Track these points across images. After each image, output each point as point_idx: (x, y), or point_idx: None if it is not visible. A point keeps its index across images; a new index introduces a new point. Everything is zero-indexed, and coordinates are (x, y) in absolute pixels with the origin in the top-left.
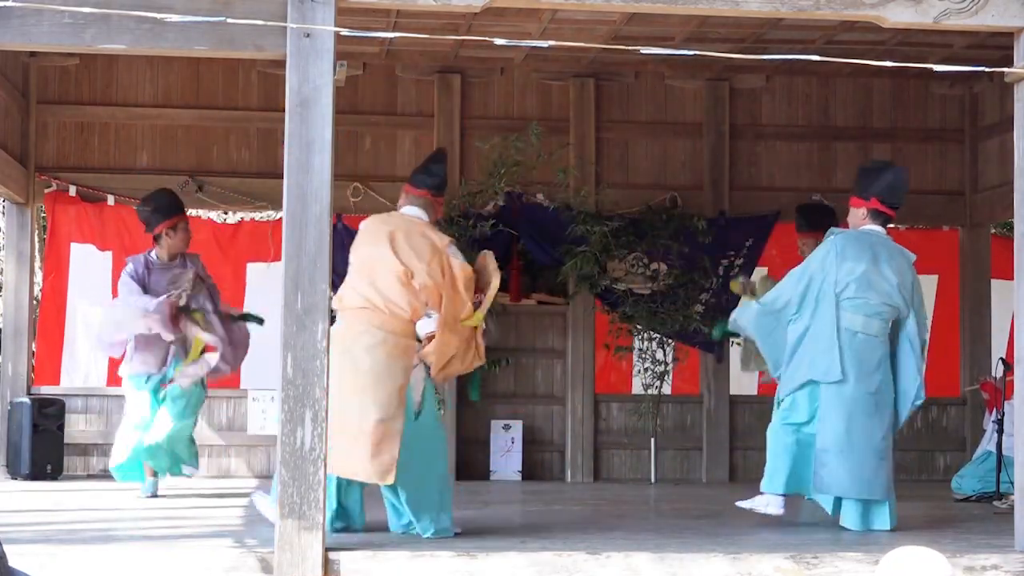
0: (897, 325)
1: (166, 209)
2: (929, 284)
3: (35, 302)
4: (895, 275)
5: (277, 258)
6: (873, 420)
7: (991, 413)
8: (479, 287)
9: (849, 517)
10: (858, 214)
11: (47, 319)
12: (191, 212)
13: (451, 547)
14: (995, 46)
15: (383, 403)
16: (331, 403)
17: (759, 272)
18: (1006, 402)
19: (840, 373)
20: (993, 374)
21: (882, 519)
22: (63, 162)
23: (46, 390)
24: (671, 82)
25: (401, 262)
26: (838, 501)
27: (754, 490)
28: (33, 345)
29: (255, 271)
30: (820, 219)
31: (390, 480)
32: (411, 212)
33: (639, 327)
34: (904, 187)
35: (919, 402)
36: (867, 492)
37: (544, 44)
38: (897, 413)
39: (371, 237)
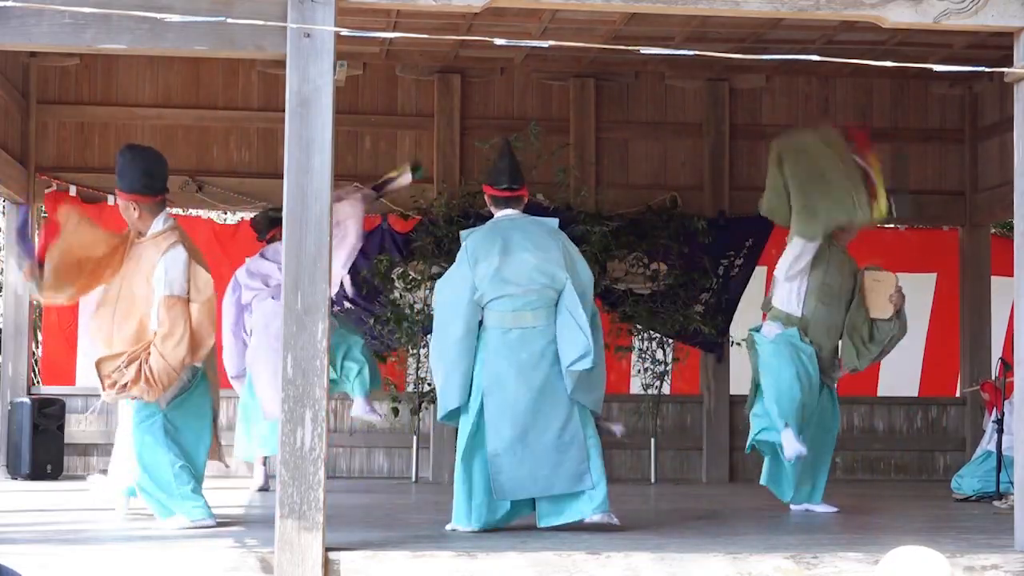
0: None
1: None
2: (927, 283)
3: (35, 302)
4: (534, 254)
5: None
6: (544, 417)
7: (991, 413)
8: None
9: (543, 515)
10: (489, 205)
11: (51, 320)
12: (191, 212)
13: (451, 547)
14: (995, 46)
15: None
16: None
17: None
18: (1006, 402)
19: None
20: (993, 375)
21: (579, 508)
22: (63, 162)
23: (46, 390)
24: (671, 82)
25: None
26: (531, 503)
27: (754, 489)
28: (34, 345)
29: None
30: None
31: None
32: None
33: (639, 327)
34: (504, 165)
35: (577, 367)
36: (546, 489)
37: (544, 44)
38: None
39: None
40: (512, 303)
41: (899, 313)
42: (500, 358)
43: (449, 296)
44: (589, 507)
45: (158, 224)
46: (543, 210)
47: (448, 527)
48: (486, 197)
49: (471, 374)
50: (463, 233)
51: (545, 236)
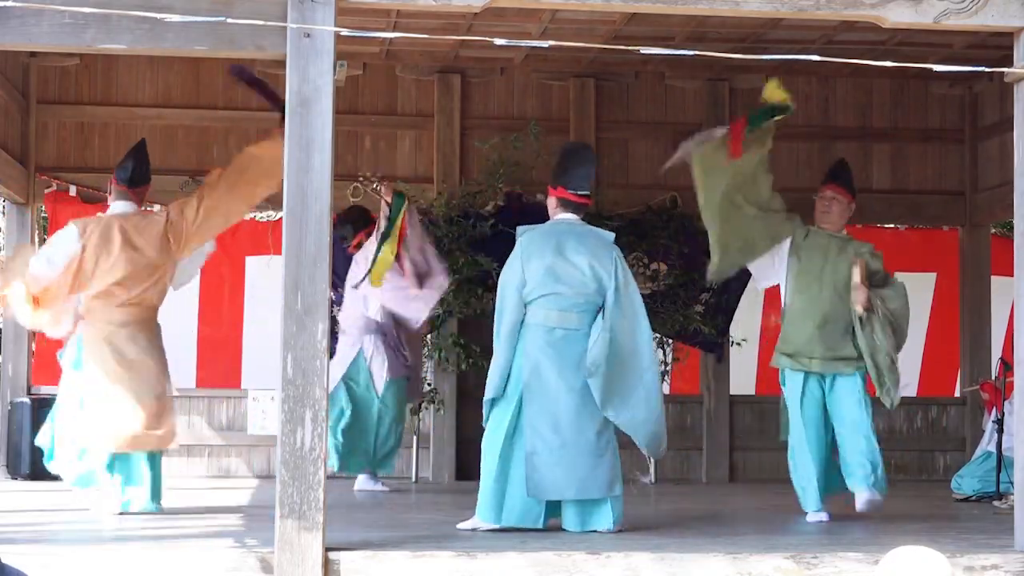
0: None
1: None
2: (927, 282)
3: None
4: (589, 258)
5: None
6: (582, 417)
7: (990, 413)
8: None
9: (568, 519)
10: (551, 204)
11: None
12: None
13: (451, 547)
14: (995, 46)
15: None
16: None
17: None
18: (1006, 402)
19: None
20: (993, 375)
21: (602, 519)
22: (63, 162)
23: (46, 390)
24: (671, 82)
25: None
26: (557, 504)
27: (754, 489)
28: (33, 345)
29: (254, 267)
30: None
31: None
32: None
33: None
34: (587, 171)
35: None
36: (581, 492)
37: (544, 44)
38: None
39: None
40: (560, 302)
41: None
42: (543, 356)
43: (501, 290)
44: (611, 518)
45: None
46: (543, 210)
47: (466, 525)
48: (552, 198)
49: (510, 367)
50: (520, 229)
51: (601, 246)
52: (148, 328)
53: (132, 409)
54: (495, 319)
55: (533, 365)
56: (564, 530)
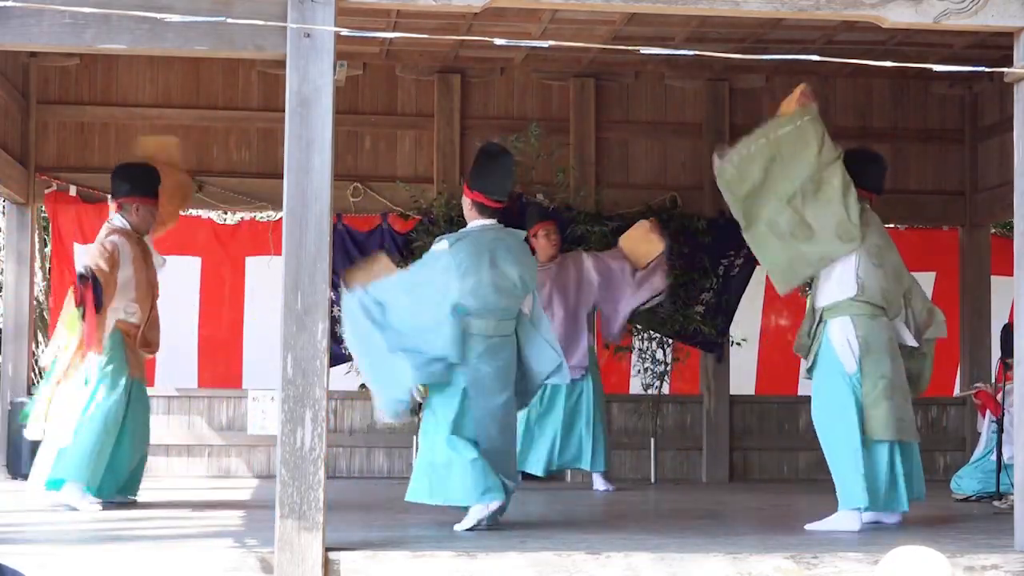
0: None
1: None
2: (927, 283)
3: (35, 302)
4: (519, 269)
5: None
6: (510, 419)
7: (984, 416)
8: None
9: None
10: (466, 204)
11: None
12: (191, 212)
13: (451, 547)
14: (995, 46)
15: None
16: None
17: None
18: (1006, 404)
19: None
20: (993, 376)
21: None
22: (63, 162)
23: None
24: (671, 82)
25: None
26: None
27: (754, 489)
28: (34, 345)
29: (254, 267)
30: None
31: None
32: None
33: (639, 327)
34: (506, 179)
35: (554, 379)
36: (515, 477)
37: (544, 44)
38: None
39: None
40: (499, 314)
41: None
42: (482, 363)
43: (432, 295)
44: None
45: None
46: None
47: (456, 527)
48: (468, 200)
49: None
50: (448, 238)
51: (522, 249)
52: None
53: None
54: (411, 316)
55: (474, 373)
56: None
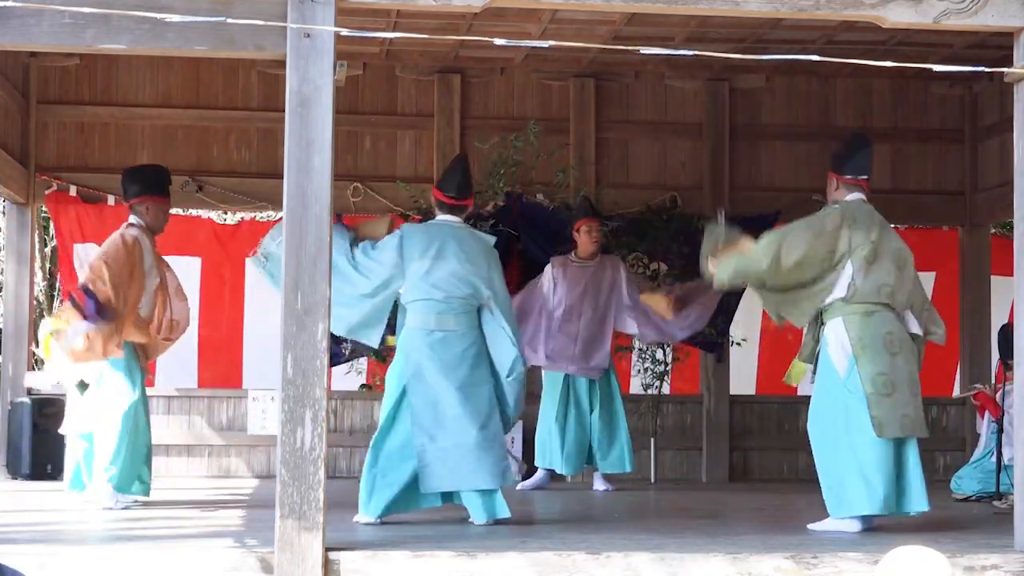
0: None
1: None
2: (926, 283)
3: (35, 302)
4: (464, 265)
5: None
6: (465, 416)
7: (982, 417)
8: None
9: (473, 511)
10: (434, 202)
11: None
12: (191, 212)
13: (451, 547)
14: (995, 46)
15: None
16: None
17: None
18: (1006, 405)
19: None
20: (992, 377)
21: (500, 507)
22: (63, 162)
23: (46, 390)
24: (671, 82)
25: None
26: (456, 495)
27: (754, 489)
28: (34, 345)
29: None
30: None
31: None
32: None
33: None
34: (460, 176)
35: (513, 375)
36: (470, 483)
37: (544, 44)
38: (503, 394)
39: None
40: (436, 307)
41: None
42: (423, 357)
43: (377, 269)
44: (506, 507)
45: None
46: (543, 210)
47: (355, 519)
48: (433, 198)
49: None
50: (404, 226)
51: (479, 251)
52: None
53: None
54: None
55: (415, 367)
56: (473, 523)
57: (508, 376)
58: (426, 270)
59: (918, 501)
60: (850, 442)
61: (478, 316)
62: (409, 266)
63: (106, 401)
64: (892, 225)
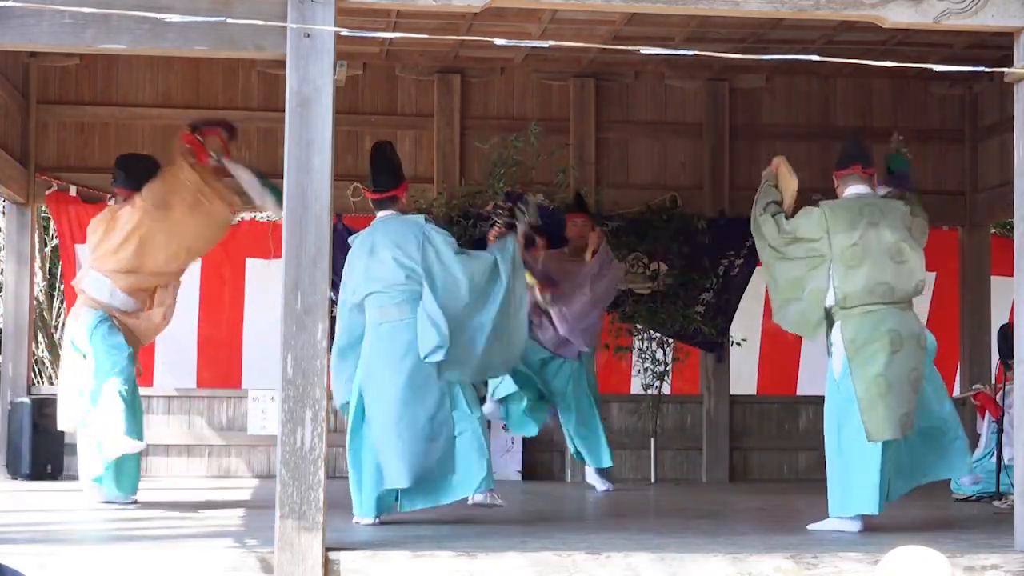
0: None
1: None
2: (926, 282)
3: (35, 302)
4: (393, 252)
5: (277, 255)
6: (414, 403)
7: (983, 417)
8: None
9: (408, 501)
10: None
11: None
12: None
13: (451, 547)
14: (995, 46)
15: None
16: None
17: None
18: (1006, 405)
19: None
20: (992, 377)
21: (451, 493)
22: (63, 162)
23: (46, 390)
24: (671, 82)
25: None
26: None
27: (754, 489)
28: (34, 345)
29: (254, 268)
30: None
31: None
32: None
33: (639, 327)
34: (383, 169)
35: (432, 357)
36: (424, 474)
37: (544, 44)
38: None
39: None
40: (379, 299)
41: None
42: (373, 352)
43: (341, 297)
44: (462, 490)
45: None
46: (543, 210)
47: (353, 520)
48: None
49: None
50: (351, 237)
51: (406, 233)
52: None
53: None
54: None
55: (366, 363)
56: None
57: (425, 357)
58: (365, 266)
59: (956, 466)
60: (846, 443)
61: None
62: (353, 271)
63: (102, 381)
64: None
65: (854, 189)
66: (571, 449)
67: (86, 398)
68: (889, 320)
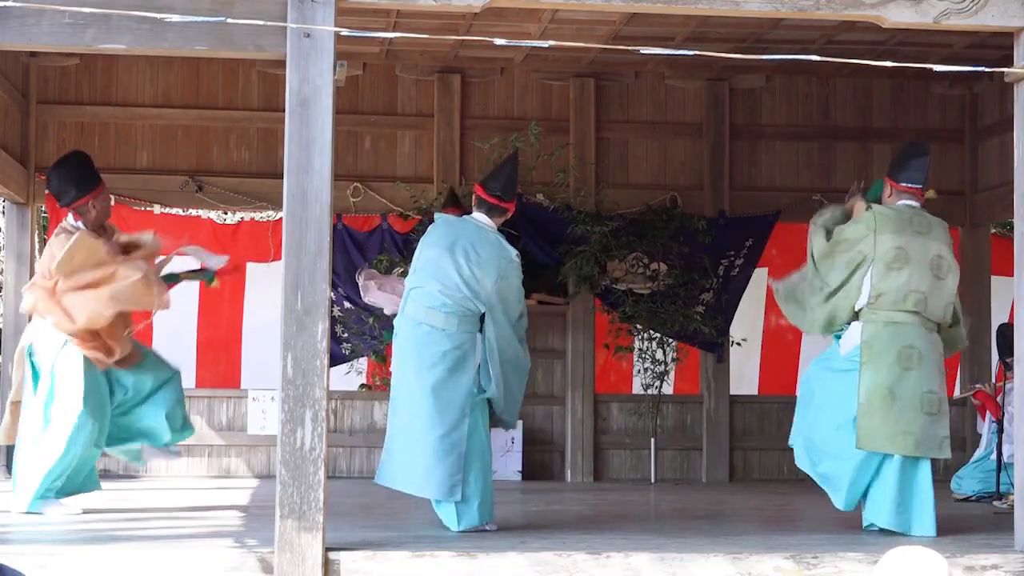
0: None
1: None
2: None
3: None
4: (473, 265)
5: (277, 258)
6: (431, 417)
7: (983, 418)
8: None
9: (442, 516)
10: (474, 201)
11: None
12: (191, 212)
13: (451, 547)
14: (995, 46)
15: None
16: None
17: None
18: (1007, 405)
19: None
20: (993, 377)
21: (448, 519)
22: None
23: None
24: (671, 82)
25: None
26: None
27: (754, 489)
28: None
29: (255, 270)
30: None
31: None
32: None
33: (639, 327)
34: (505, 174)
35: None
36: (418, 489)
37: (544, 44)
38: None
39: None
40: (429, 299)
41: None
42: (405, 351)
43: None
44: (456, 521)
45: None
46: (543, 210)
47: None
48: (474, 195)
49: None
50: (438, 216)
51: (493, 257)
52: None
53: None
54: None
55: (399, 356)
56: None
57: (478, 394)
58: (433, 258)
59: (923, 525)
60: (815, 415)
61: (480, 323)
62: (422, 253)
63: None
64: None
65: (905, 201)
66: None
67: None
68: (910, 336)
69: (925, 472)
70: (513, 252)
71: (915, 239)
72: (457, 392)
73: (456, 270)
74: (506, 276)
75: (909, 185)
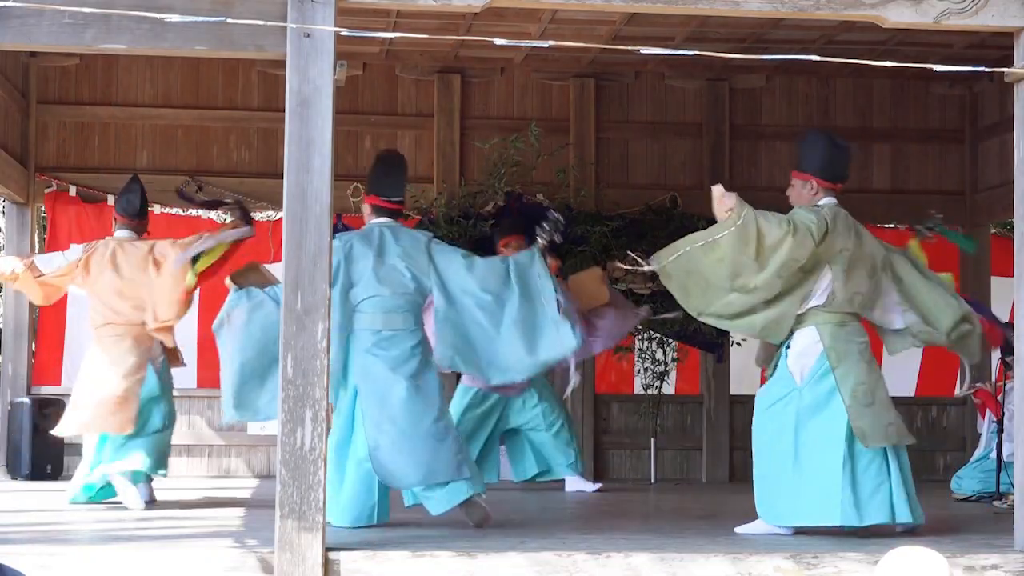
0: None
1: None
2: None
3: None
4: (406, 260)
5: (277, 258)
6: (417, 406)
7: (984, 417)
8: None
9: (432, 503)
10: (366, 211)
11: (47, 320)
12: (191, 212)
13: (451, 547)
14: (995, 46)
15: None
16: None
17: None
18: (1007, 404)
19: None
20: (993, 376)
21: (458, 495)
22: (63, 162)
23: (46, 390)
24: (671, 82)
25: None
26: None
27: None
28: (33, 345)
29: None
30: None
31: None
32: None
33: (639, 327)
34: (397, 179)
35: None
36: (430, 477)
37: (544, 44)
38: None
39: None
40: (385, 304)
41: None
42: (370, 356)
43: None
44: (471, 490)
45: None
46: (543, 210)
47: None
48: (367, 205)
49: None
50: (339, 235)
51: (416, 247)
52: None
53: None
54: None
55: (362, 367)
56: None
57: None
58: (371, 268)
59: (902, 513)
60: (804, 449)
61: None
62: (355, 266)
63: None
64: (892, 225)
65: (830, 200)
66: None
67: None
68: (861, 332)
69: (904, 459)
70: (427, 234)
71: (857, 240)
72: (433, 379)
73: (396, 270)
74: (433, 256)
75: (836, 183)
